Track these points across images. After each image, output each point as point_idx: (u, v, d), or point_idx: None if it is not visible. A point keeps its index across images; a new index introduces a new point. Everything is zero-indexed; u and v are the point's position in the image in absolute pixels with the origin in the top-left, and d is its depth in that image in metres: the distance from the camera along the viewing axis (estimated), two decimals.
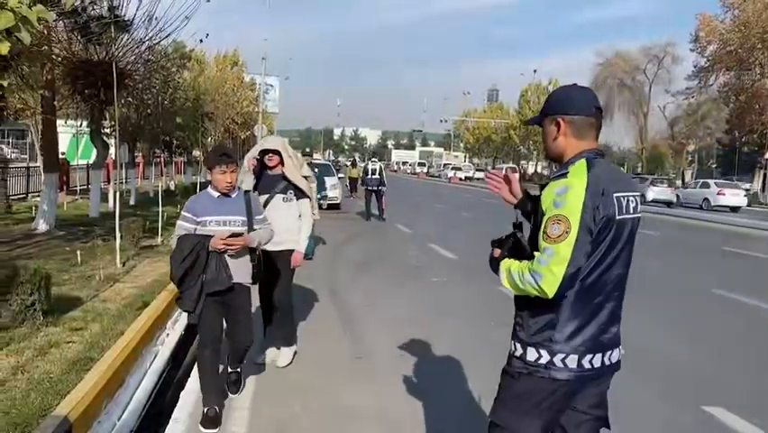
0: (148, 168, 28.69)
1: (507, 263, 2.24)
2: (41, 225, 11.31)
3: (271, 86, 51.00)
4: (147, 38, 13.49)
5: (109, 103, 12.49)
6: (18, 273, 5.24)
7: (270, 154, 4.89)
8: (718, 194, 30.72)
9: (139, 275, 7.87)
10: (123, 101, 15.62)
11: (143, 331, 5.21)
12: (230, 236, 3.75)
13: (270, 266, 4.70)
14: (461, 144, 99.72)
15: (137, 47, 13.63)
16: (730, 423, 4.38)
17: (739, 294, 9.00)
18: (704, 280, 10.43)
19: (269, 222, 4.13)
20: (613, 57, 66.39)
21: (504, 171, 2.50)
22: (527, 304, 2.23)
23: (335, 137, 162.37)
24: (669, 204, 31.03)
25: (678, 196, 32.71)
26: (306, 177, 5.05)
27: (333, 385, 4.75)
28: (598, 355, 2.22)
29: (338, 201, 20.17)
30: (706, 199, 31.11)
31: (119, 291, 6.87)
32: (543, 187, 2.24)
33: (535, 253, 2.14)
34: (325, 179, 18.83)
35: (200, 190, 4.20)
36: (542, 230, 2.13)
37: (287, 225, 4.85)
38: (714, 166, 53.31)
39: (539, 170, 72.54)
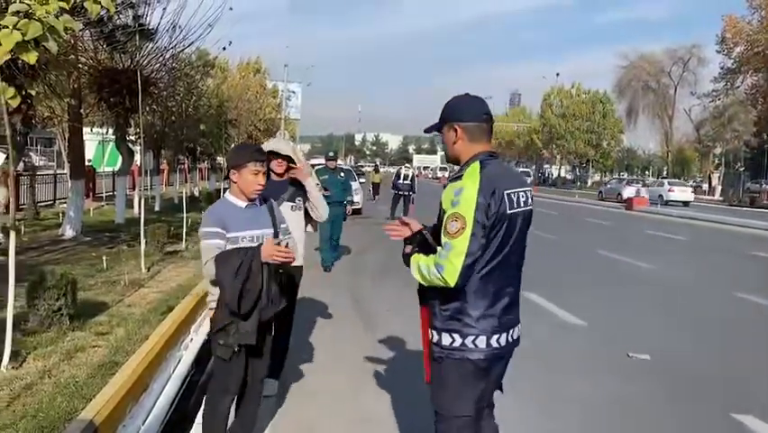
0: (172, 174, 29.06)
1: (417, 258, 2.55)
2: (68, 231, 11.50)
3: (293, 92, 51.38)
4: (171, 46, 13.73)
5: (134, 110, 12.68)
6: (45, 278, 5.33)
7: (280, 159, 4.29)
8: (669, 191, 35.77)
9: (163, 280, 7.95)
10: (147, 108, 15.84)
11: (167, 336, 5.25)
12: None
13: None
14: None
15: (161, 55, 13.86)
16: (761, 431, 4.28)
17: (765, 298, 8.83)
18: (728, 283, 10.21)
19: (290, 232, 3.58)
20: (637, 59, 65.78)
21: (398, 220, 2.82)
22: (438, 294, 2.50)
23: (357, 143, 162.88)
24: None
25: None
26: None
27: (355, 392, 4.74)
28: (504, 335, 2.54)
29: (360, 206, 20.25)
30: (660, 196, 35.25)
31: (144, 296, 6.95)
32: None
33: (438, 248, 2.45)
34: (351, 183, 18.98)
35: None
36: (443, 227, 2.43)
37: (296, 237, 4.13)
38: (742, 169, 52.34)
39: (563, 174, 71.97)
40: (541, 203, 34.24)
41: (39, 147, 45.66)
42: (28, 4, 6.35)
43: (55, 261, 8.83)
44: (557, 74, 72.64)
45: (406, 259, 2.64)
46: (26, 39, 6.10)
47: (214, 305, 3.24)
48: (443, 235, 2.42)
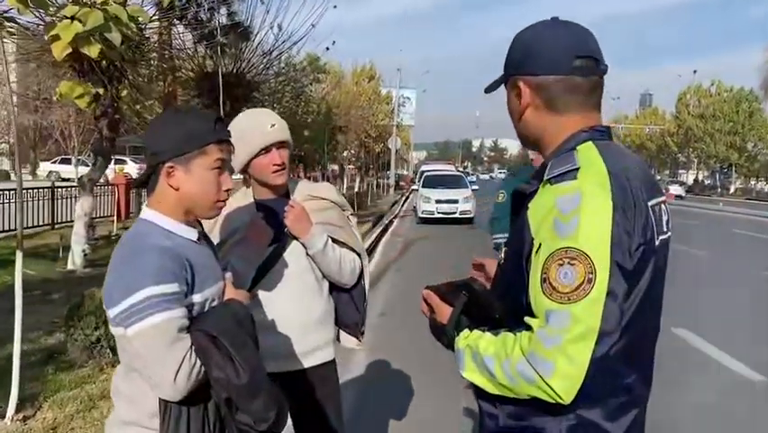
0: None
1: (471, 338, 1.30)
2: None
3: (408, 98, 50.50)
4: (274, 47, 13.19)
5: (233, 116, 12.21)
6: (83, 304, 4.51)
7: (275, 149, 2.14)
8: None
9: None
10: None
11: None
12: None
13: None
14: None
15: (265, 57, 13.37)
16: None
17: None
18: None
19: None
20: None
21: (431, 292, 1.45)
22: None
23: (474, 149, 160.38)
24: None
25: None
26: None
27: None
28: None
29: (471, 215, 18.74)
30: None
31: None
32: (520, 195, 1.35)
33: (531, 322, 1.19)
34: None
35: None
36: (538, 277, 1.18)
37: (314, 308, 2.22)
38: None
39: (700, 179, 66.37)
40: (678, 211, 30.92)
41: None
42: None
43: None
44: (694, 71, 66.45)
45: (439, 331, 1.41)
46: (87, 29, 5.41)
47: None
48: (540, 294, 1.18)
